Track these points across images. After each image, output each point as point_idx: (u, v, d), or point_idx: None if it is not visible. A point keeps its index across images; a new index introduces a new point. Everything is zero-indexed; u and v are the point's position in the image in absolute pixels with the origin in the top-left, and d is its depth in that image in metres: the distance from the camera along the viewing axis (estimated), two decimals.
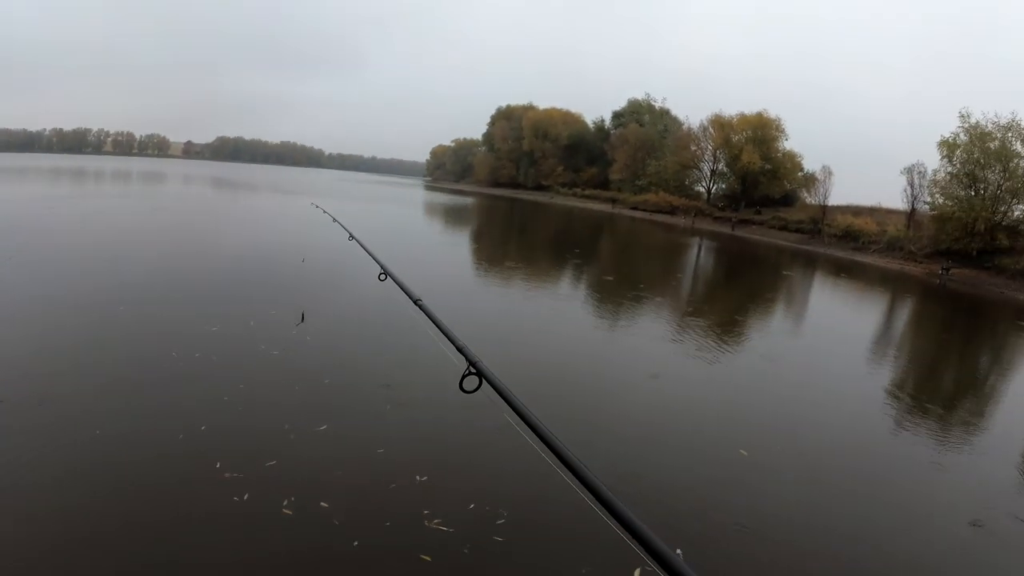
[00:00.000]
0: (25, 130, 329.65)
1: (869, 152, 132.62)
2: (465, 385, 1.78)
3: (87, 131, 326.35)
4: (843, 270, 34.66)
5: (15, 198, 28.72)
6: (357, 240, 4.82)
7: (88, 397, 6.07)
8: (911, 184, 46.31)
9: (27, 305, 9.28)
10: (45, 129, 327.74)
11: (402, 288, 2.53)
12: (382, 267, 3.19)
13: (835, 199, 55.47)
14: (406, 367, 8.02)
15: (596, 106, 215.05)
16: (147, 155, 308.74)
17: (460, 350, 1.86)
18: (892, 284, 30.90)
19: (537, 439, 1.31)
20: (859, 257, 42.75)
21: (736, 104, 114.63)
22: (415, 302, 2.42)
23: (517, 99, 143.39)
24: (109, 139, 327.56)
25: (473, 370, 1.82)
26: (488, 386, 1.80)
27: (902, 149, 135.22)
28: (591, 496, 1.05)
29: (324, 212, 6.96)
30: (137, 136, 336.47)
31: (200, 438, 5.33)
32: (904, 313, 22.68)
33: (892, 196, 51.17)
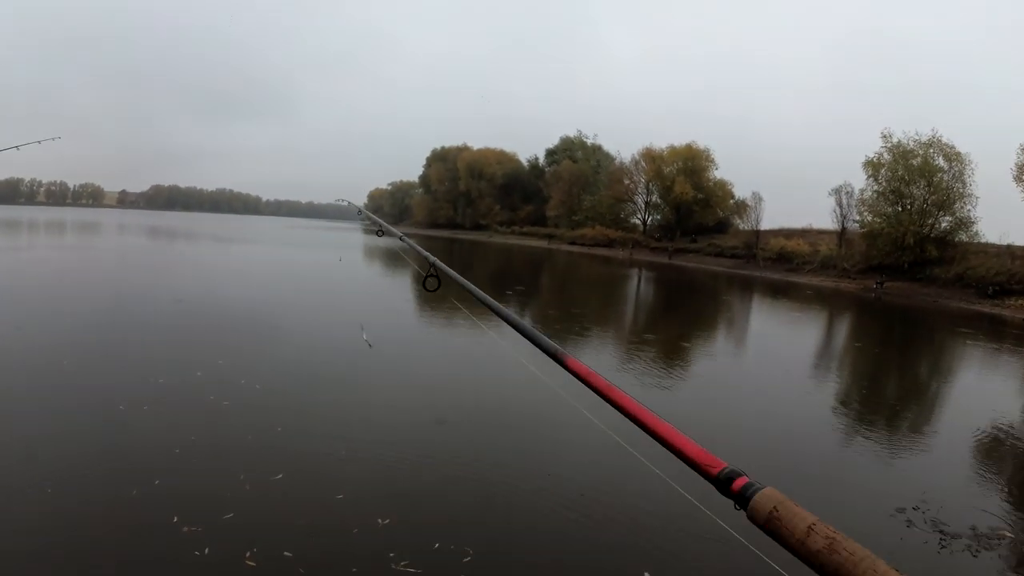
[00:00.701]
0: None
1: (796, 177, 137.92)
2: (427, 285, 2.16)
3: (19, 181, 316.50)
4: (780, 291, 35.15)
5: None
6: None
7: (33, 453, 5.83)
8: (840, 204, 47.84)
9: None
10: None
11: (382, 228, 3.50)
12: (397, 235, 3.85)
13: (767, 223, 56.98)
14: (361, 411, 7.84)
15: (530, 145, 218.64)
16: (81, 205, 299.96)
17: (425, 257, 2.26)
18: (828, 301, 31.35)
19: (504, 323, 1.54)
20: (794, 278, 43.61)
21: (664, 138, 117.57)
22: (400, 237, 3.07)
23: (452, 140, 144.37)
24: (42, 189, 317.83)
25: (433, 271, 2.18)
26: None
27: (828, 173, 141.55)
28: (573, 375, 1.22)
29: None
30: (71, 186, 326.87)
31: (154, 492, 5.18)
32: (843, 328, 22.89)
33: (822, 217, 52.77)
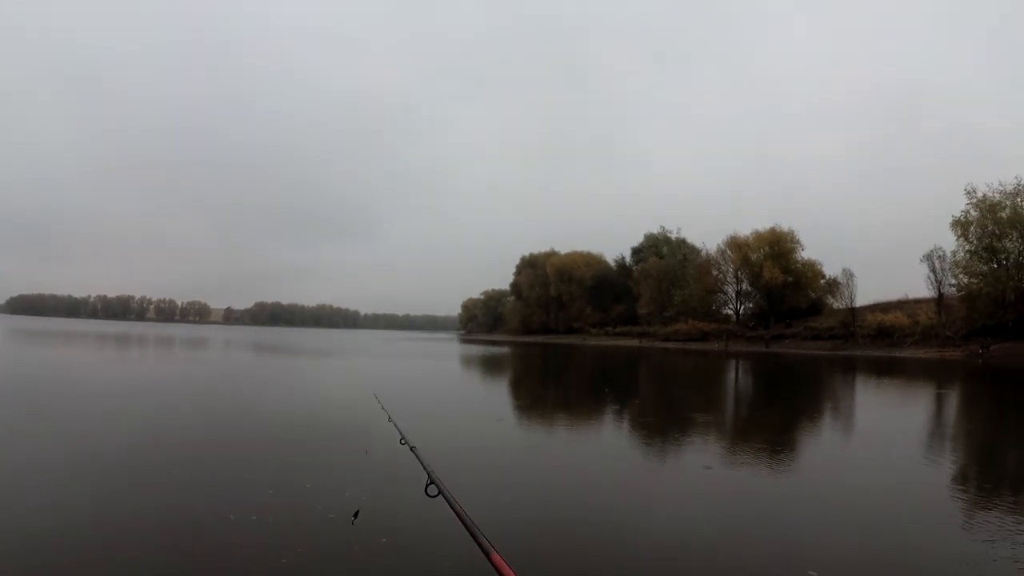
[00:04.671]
0: (71, 296, 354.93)
1: (882, 249, 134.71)
2: (429, 491, 2.73)
3: (130, 298, 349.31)
4: (883, 369, 34.54)
5: (87, 361, 25.27)
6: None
7: (145, 561, 5.99)
8: (933, 270, 47.54)
9: (75, 466, 9.37)
10: (90, 296, 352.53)
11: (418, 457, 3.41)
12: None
13: (861, 299, 56.59)
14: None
15: (614, 243, 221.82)
16: (189, 321, 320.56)
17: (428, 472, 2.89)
18: (934, 374, 30.76)
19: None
20: (897, 352, 42.86)
21: (746, 226, 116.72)
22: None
23: (539, 242, 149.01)
24: (152, 306, 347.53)
25: (430, 480, 2.76)
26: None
27: (918, 237, 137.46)
28: None
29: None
30: (179, 303, 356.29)
31: None
32: (951, 402, 21.95)
33: (917, 286, 51.77)
